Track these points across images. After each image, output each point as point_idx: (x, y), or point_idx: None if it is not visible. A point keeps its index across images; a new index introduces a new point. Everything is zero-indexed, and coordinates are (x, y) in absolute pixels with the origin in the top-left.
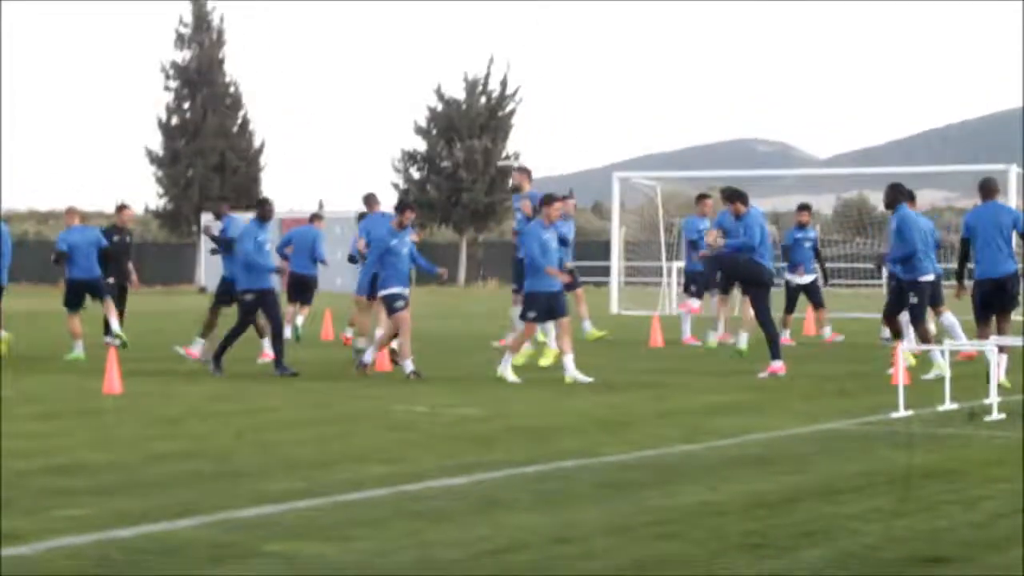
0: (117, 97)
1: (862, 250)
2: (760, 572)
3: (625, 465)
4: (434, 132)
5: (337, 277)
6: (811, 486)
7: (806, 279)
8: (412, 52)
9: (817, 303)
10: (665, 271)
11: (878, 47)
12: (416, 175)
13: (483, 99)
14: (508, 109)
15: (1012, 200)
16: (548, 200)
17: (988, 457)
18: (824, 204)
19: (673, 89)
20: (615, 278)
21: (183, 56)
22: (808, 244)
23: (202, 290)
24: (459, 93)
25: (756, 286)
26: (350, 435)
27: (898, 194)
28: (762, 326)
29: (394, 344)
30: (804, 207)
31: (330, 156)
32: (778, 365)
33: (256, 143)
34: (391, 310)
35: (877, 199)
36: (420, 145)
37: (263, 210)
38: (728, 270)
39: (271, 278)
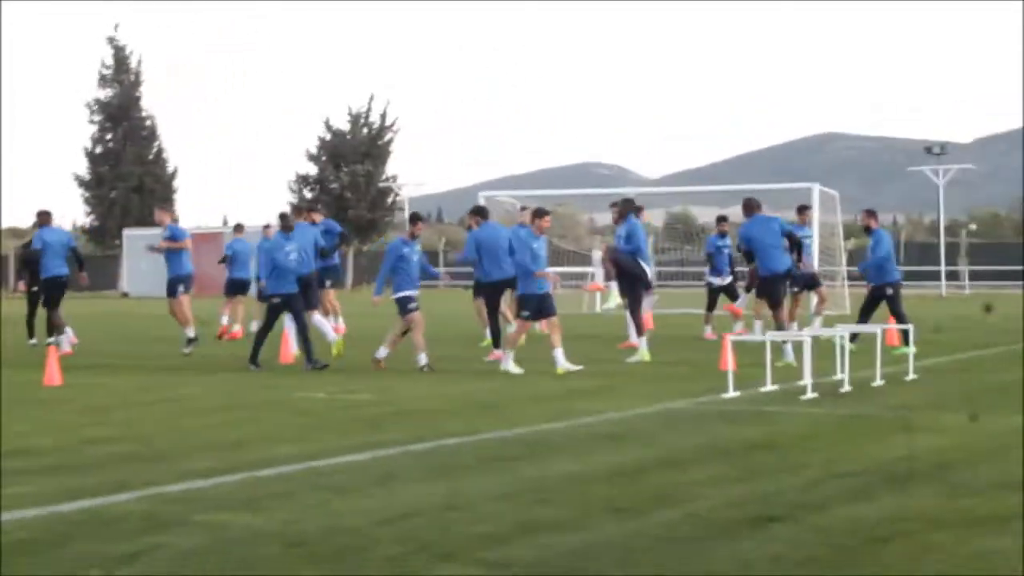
0: (46, 129)
1: (689, 256)
2: (623, 531)
3: (502, 441)
4: (323, 158)
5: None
6: (659, 457)
7: (726, 281)
8: (304, 89)
9: (734, 300)
10: None
11: (698, 83)
12: (308, 195)
13: (365, 130)
14: (387, 138)
15: (816, 214)
16: (540, 213)
17: (805, 430)
18: (655, 218)
19: (526, 117)
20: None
21: (105, 93)
22: (727, 250)
23: (124, 295)
24: (344, 125)
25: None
26: (259, 420)
27: (751, 206)
28: (632, 313)
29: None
30: (723, 219)
31: (234, 179)
32: (635, 340)
33: (170, 169)
34: (404, 311)
35: (699, 212)
36: (312, 169)
37: (286, 223)
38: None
39: (296, 283)
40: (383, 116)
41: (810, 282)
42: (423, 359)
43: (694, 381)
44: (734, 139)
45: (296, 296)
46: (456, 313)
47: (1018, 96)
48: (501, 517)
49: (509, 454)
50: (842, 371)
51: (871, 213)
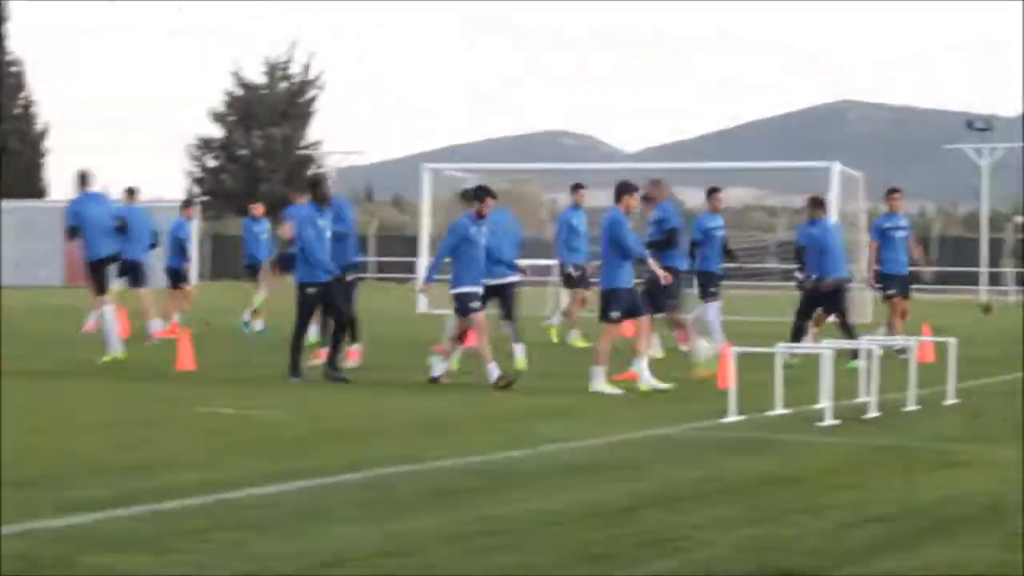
0: None
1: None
2: None
3: (451, 471)
4: (231, 118)
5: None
6: (648, 494)
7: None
8: (210, 32)
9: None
10: None
11: (685, 40)
12: (212, 163)
13: (283, 84)
14: (309, 96)
15: (834, 200)
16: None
17: (825, 464)
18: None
19: (476, 80)
20: (422, 275)
21: None
22: (720, 234)
23: None
24: (259, 78)
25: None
26: (157, 440)
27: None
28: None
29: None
30: (715, 190)
31: (118, 141)
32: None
33: (39, 127)
34: (465, 310)
35: (685, 194)
36: (216, 131)
37: (319, 192)
38: None
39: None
40: (306, 68)
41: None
42: (495, 372)
43: (688, 402)
44: (727, 107)
45: (332, 285)
46: (389, 312)
47: None
48: (454, 564)
49: (460, 487)
50: (867, 393)
51: (818, 202)
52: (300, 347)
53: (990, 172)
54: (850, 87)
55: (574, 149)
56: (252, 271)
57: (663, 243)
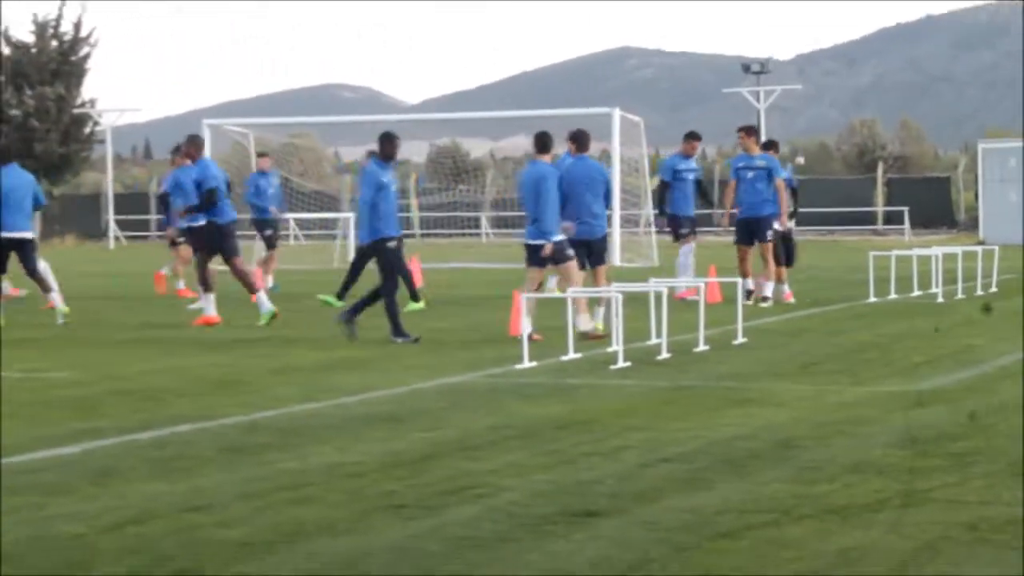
0: None
1: (464, 197)
2: (408, 532)
3: (247, 427)
4: (1, 78)
5: None
6: (445, 442)
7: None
8: None
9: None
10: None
11: None
12: None
13: (54, 43)
14: (82, 53)
15: (616, 146)
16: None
17: (619, 406)
18: (416, 151)
19: (247, 34)
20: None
21: None
22: (692, 176)
23: None
24: (28, 36)
25: None
26: None
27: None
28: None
29: None
30: (693, 136)
31: None
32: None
33: None
34: (564, 258)
35: (471, 144)
36: None
37: (389, 148)
38: None
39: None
40: (77, 26)
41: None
42: (585, 322)
43: (480, 349)
44: (507, 56)
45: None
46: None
47: (845, 4)
48: (254, 520)
49: (256, 443)
50: (658, 335)
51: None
52: (395, 306)
53: (767, 114)
54: (629, 34)
55: (354, 101)
56: (261, 225)
57: (203, 205)
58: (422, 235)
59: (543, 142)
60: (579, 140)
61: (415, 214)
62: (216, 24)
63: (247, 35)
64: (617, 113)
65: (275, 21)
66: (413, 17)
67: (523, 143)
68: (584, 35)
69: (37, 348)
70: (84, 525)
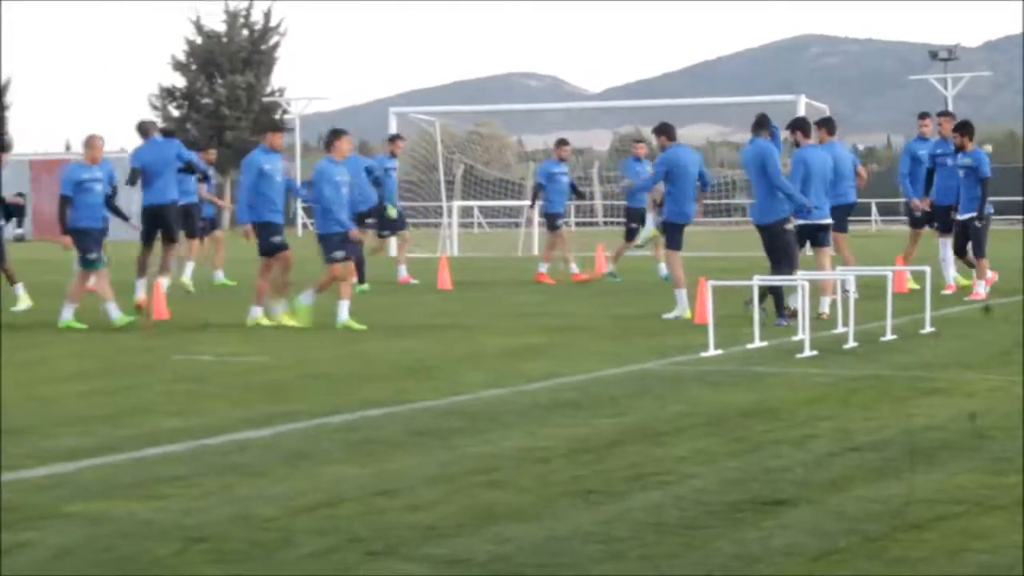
0: None
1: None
2: (596, 518)
3: (436, 412)
4: (194, 67)
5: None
6: (631, 429)
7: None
8: None
9: None
10: (446, 211)
11: None
12: (175, 113)
13: (245, 32)
14: (272, 42)
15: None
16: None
17: (807, 395)
18: (598, 140)
19: (440, 22)
20: None
21: None
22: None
23: None
24: (219, 26)
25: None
26: (135, 388)
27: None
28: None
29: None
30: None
31: (81, 93)
32: None
33: (1, 79)
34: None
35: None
36: (179, 81)
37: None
38: None
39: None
40: (267, 15)
41: None
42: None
43: (666, 336)
44: (689, 45)
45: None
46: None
47: None
48: (445, 504)
49: (447, 427)
50: (845, 324)
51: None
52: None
53: (955, 101)
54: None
55: (538, 90)
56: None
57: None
58: (604, 223)
59: (759, 122)
60: (828, 125)
61: (599, 202)
62: (402, 14)
63: (433, 24)
64: (803, 100)
65: (462, 10)
66: (598, 6)
67: (706, 131)
68: (766, 24)
69: (228, 333)
70: (276, 507)
